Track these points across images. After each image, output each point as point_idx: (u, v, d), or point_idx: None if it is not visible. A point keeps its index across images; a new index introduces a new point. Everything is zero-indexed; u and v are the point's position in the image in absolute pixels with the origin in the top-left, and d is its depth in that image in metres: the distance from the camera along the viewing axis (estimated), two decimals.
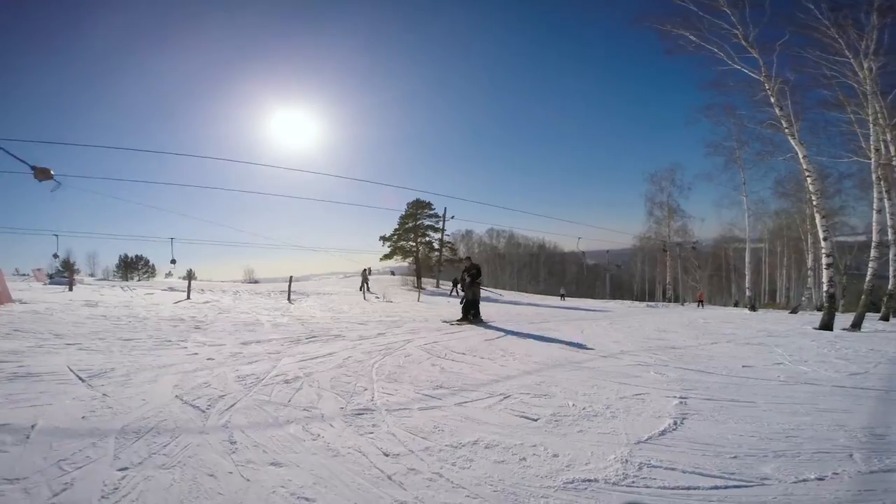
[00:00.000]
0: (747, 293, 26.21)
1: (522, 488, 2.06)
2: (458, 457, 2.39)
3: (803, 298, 26.48)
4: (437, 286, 33.33)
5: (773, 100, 11.96)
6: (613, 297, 43.63)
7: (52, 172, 7.85)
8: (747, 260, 26.68)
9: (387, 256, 39.96)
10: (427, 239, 39.58)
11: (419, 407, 3.29)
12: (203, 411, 2.99)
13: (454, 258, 40.09)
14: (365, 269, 24.73)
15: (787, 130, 11.98)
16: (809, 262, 27.41)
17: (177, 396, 3.29)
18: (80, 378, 3.62)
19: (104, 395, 3.22)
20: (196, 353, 4.91)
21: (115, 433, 2.49)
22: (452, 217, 35.85)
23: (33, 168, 7.61)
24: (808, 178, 12.23)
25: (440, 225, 37.09)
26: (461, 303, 9.99)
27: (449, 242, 40.35)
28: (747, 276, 26.51)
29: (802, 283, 31.65)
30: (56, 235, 26.25)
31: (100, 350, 4.83)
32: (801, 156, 12.03)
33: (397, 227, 39.85)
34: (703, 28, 12.27)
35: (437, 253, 37.67)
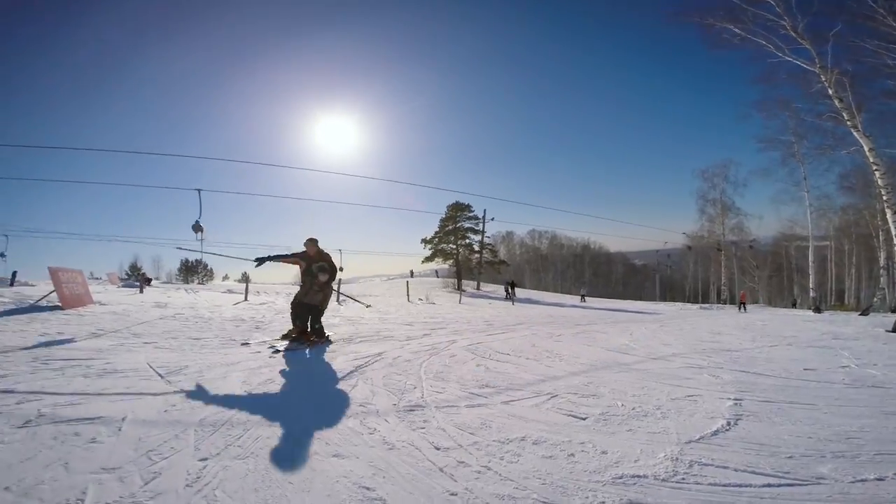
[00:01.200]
0: (811, 294, 24.69)
1: (571, 482, 2.12)
2: (506, 451, 2.48)
3: (875, 299, 24.54)
4: (478, 288, 33.33)
5: (830, 91, 11.29)
6: (664, 298, 42.09)
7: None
8: (811, 259, 25.15)
9: (428, 259, 40.48)
10: (467, 241, 39.77)
11: (466, 404, 3.39)
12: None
13: (494, 260, 40.05)
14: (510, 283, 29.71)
15: (848, 122, 11.27)
16: (882, 261, 25.48)
17: (245, 392, 3.57)
18: (160, 374, 3.97)
19: (181, 390, 3.54)
20: (259, 352, 5.24)
21: (194, 425, 2.73)
22: (492, 219, 35.86)
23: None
24: (876, 172, 11.43)
25: (480, 227, 37.12)
26: (291, 303, 6.24)
27: (489, 244, 40.35)
28: (811, 276, 24.97)
29: (874, 282, 29.39)
30: (6, 236, 25.72)
31: (173, 349, 5.26)
32: (866, 149, 11.27)
33: (437, 229, 40.33)
34: (747, 20, 11.80)
35: (477, 255, 37.71)
